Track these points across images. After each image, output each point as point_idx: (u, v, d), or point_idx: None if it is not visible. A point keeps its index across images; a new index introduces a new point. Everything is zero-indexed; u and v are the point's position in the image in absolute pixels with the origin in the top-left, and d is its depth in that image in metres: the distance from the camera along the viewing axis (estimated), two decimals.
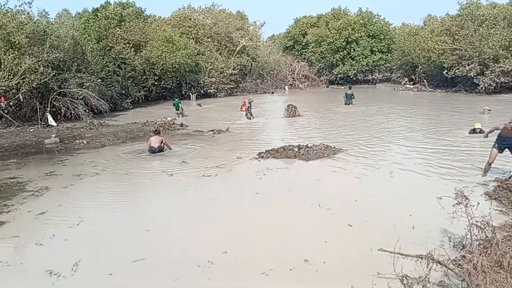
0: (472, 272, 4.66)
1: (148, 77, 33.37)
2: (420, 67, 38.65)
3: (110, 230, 7.59)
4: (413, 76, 41.96)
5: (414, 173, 10.23)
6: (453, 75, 31.63)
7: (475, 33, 30.16)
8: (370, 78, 48.07)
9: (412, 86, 39.48)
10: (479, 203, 6.46)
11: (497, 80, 28.61)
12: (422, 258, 5.05)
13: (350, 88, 29.46)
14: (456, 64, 31.15)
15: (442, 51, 32.33)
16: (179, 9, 43.37)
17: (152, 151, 13.79)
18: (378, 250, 5.42)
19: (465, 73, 30.34)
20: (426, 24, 42.83)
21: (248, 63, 43.39)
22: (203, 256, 6.08)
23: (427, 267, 4.87)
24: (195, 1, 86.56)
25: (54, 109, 23.30)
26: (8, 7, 23.13)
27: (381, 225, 7.05)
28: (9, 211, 8.66)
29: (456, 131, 15.72)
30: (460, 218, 5.50)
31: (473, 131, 14.59)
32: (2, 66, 20.13)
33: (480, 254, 4.89)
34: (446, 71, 32.17)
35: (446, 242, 6.07)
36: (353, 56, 47.02)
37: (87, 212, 8.48)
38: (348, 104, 26.51)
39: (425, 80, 38.15)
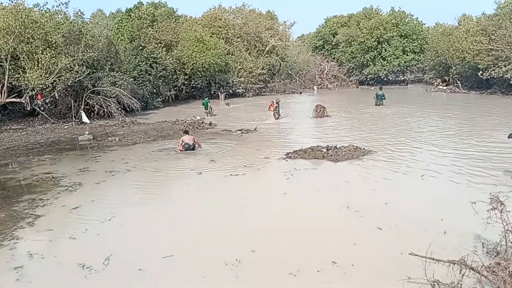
0: (508, 280, 4.52)
1: (178, 76, 33.83)
2: (453, 68, 37.61)
3: (140, 226, 7.75)
4: (446, 77, 40.86)
5: (446, 176, 9.97)
6: (489, 77, 30.60)
7: None
8: (402, 78, 47.16)
9: (445, 87, 38.48)
10: None
11: None
12: (454, 263, 4.92)
13: (380, 88, 28.85)
14: (492, 65, 30.12)
15: (477, 52, 31.32)
16: (210, 9, 43.75)
17: (187, 148, 14.09)
18: (409, 254, 5.32)
19: (501, 75, 29.31)
20: (460, 24, 41.59)
21: (277, 63, 43.34)
22: (231, 254, 6.13)
23: (460, 273, 4.74)
24: (225, 1, 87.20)
25: (88, 107, 23.93)
26: (47, 8, 23.93)
27: (411, 229, 6.91)
28: (44, 205, 8.97)
29: (492, 133, 15.21)
30: (495, 224, 5.34)
31: None
32: (39, 65, 20.83)
33: None
34: (481, 72, 31.15)
35: (479, 248, 5.90)
36: (384, 56, 46.23)
37: (119, 207, 8.68)
38: (379, 105, 26.07)
39: (458, 82, 37.10)
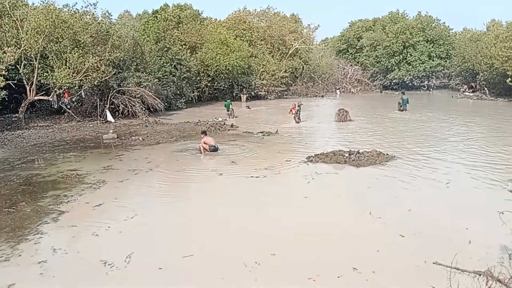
0: None
1: (202, 78, 34.08)
2: (481, 74, 36.80)
3: (162, 225, 7.83)
4: (473, 84, 40.00)
5: (470, 185, 9.75)
6: None
7: None
8: (425, 84, 46.34)
9: (471, 94, 37.67)
10: None
11: None
12: (480, 274, 4.80)
13: (403, 93, 28.53)
14: None
15: (506, 58, 30.57)
16: (235, 11, 44.02)
17: (213, 149, 14.21)
18: (433, 263, 5.22)
19: None
20: (489, 30, 40.71)
21: (300, 66, 43.22)
22: (251, 256, 6.12)
23: (486, 285, 4.62)
24: (250, 3, 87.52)
25: (113, 106, 24.31)
26: (76, 8, 24.48)
27: (435, 237, 6.77)
28: (69, 201, 9.15)
29: None
30: None
31: None
32: (67, 64, 21.30)
33: None
34: (509, 79, 30.36)
35: (506, 260, 5.74)
36: (409, 61, 45.56)
37: (141, 206, 8.78)
38: (403, 110, 25.73)
39: (486, 88, 36.26)
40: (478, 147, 14.41)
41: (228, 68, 33.73)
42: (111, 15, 27.12)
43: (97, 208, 8.70)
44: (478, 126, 19.77)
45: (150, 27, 33.66)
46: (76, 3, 24.11)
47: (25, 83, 21.74)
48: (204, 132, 14.99)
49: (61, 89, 21.67)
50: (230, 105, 25.44)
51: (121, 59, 25.00)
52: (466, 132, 17.95)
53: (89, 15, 24.69)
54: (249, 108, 29.29)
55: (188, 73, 31.21)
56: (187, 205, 9.10)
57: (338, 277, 5.54)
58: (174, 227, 7.70)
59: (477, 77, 38.16)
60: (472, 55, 38.05)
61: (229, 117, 24.42)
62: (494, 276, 4.71)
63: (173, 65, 29.97)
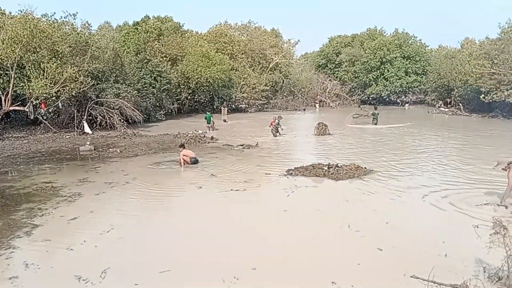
0: None
1: (182, 90, 34.04)
2: (456, 90, 37.80)
3: (138, 239, 7.67)
4: (448, 99, 41.05)
5: (446, 198, 9.88)
6: (491, 100, 30.71)
7: None
8: (403, 99, 47.28)
9: (446, 109, 38.61)
10: None
11: None
12: None
13: (375, 108, 29.30)
14: (494, 89, 30.24)
15: (480, 75, 31.50)
16: (216, 25, 44.29)
17: (194, 162, 14.16)
18: (411, 276, 5.25)
19: (503, 98, 29.42)
20: (463, 47, 42.06)
21: (280, 80, 43.65)
22: (230, 271, 6.05)
23: None
24: (231, 17, 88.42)
25: (90, 117, 24.01)
26: (54, 18, 24.19)
27: (412, 250, 6.84)
28: (43, 214, 8.91)
29: (495, 156, 15.13)
30: (497, 248, 5.29)
31: None
32: (45, 74, 20.96)
33: None
34: (483, 95, 31.27)
35: (481, 273, 5.82)
36: (386, 77, 46.53)
37: (117, 220, 8.62)
38: (375, 124, 26.38)
39: (460, 104, 37.24)
40: (452, 162, 14.71)
41: (209, 81, 33.83)
42: (91, 26, 27.06)
43: (72, 221, 8.49)
44: (454, 141, 20.23)
45: (131, 38, 33.55)
46: (55, 13, 23.80)
47: (0, 93, 21.27)
48: (182, 145, 14.88)
49: (38, 99, 21.29)
50: (211, 118, 25.42)
51: (100, 70, 24.80)
52: (441, 146, 18.34)
53: (68, 25, 24.46)
54: (226, 121, 29.28)
55: (168, 85, 31.15)
56: (165, 218, 8.97)
57: None
58: (151, 241, 7.56)
59: (452, 93, 39.16)
60: (447, 71, 39.11)
61: (209, 130, 24.37)
62: None
63: (153, 77, 29.88)
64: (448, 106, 40.23)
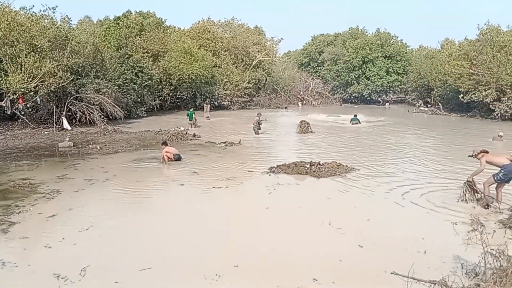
0: None
1: (164, 86, 33.74)
2: (435, 90, 38.46)
3: (119, 236, 7.57)
4: (428, 99, 41.75)
5: (426, 196, 10.05)
6: (469, 100, 31.35)
7: (493, 59, 29.95)
8: (380, 99, 47.77)
9: (426, 109, 39.26)
10: (495, 231, 6.36)
11: None
12: (435, 283, 4.94)
13: (355, 115, 28.54)
14: (473, 89, 30.89)
15: (459, 75, 32.12)
16: (199, 21, 44.00)
17: (177, 158, 14.09)
18: (391, 273, 5.32)
19: (481, 99, 30.07)
20: (443, 48, 42.75)
21: (263, 78, 43.68)
22: (211, 268, 6.03)
23: None
24: (215, 14, 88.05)
25: (70, 113, 23.61)
26: (33, 12, 23.66)
27: (392, 247, 6.92)
28: (20, 212, 8.72)
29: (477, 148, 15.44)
30: (474, 245, 5.40)
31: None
32: (23, 69, 20.50)
33: (494, 283, 4.77)
34: (462, 95, 31.91)
35: (459, 269, 5.92)
36: (368, 76, 47.02)
37: (97, 217, 8.49)
38: (353, 124, 26.78)
39: (440, 104, 37.90)
40: (431, 160, 14.96)
41: (191, 77, 33.61)
42: (71, 20, 26.47)
43: (50, 219, 8.34)
44: (434, 140, 20.62)
45: (112, 33, 33.07)
46: (34, 6, 23.34)
47: None
48: (165, 143, 14.76)
49: (15, 94, 20.80)
50: (193, 115, 25.26)
51: (80, 65, 24.41)
52: (420, 145, 18.63)
53: (47, 19, 23.97)
54: (208, 119, 29.11)
55: (150, 81, 30.85)
56: (146, 216, 8.87)
57: None
58: (131, 239, 7.47)
59: (432, 92, 39.83)
60: (427, 71, 39.75)
61: (191, 127, 24.22)
62: (448, 285, 4.86)
63: (134, 73, 29.54)
64: (428, 105, 40.91)
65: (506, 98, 28.53)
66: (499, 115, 28.83)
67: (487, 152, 9.37)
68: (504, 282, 4.78)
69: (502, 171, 8.96)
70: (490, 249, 5.21)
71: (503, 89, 28.85)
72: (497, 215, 8.53)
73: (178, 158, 14.14)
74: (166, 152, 14.05)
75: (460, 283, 5.08)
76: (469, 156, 9.84)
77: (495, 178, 9.05)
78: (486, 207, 8.97)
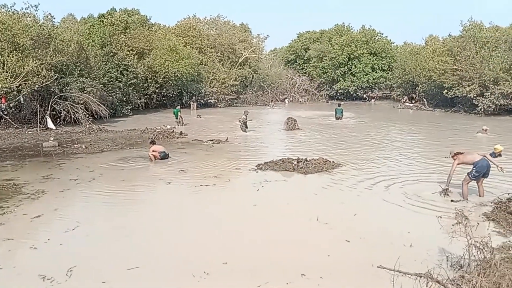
0: None
1: (149, 84, 33.48)
2: (420, 86, 38.83)
3: (105, 236, 7.51)
4: (413, 95, 42.16)
5: (411, 190, 10.17)
6: (453, 95, 31.76)
7: (476, 55, 30.40)
8: (365, 95, 48.02)
9: (411, 105, 39.64)
10: (478, 224, 6.47)
11: (497, 102, 28.71)
12: (421, 276, 5.01)
13: (339, 105, 29.74)
14: (456, 85, 31.30)
15: (443, 71, 32.52)
16: (184, 18, 43.74)
17: (163, 156, 14.03)
18: (378, 267, 5.38)
19: (465, 94, 30.48)
20: (427, 44, 43.15)
21: (250, 75, 43.61)
22: (199, 266, 6.02)
23: (427, 286, 4.82)
24: (200, 11, 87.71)
25: (54, 113, 23.28)
26: (15, 9, 23.25)
27: (379, 241, 7.00)
28: (4, 213, 8.58)
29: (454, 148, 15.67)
30: (459, 237, 5.48)
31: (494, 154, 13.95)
32: (5, 68, 20.15)
33: (478, 275, 4.86)
34: (446, 91, 32.31)
35: (444, 262, 6.01)
36: (354, 73, 47.26)
37: (83, 217, 8.41)
38: (338, 119, 27.07)
39: (424, 99, 38.31)
40: (416, 154, 15.16)
41: (177, 75, 33.39)
42: (54, 18, 26.07)
43: (35, 219, 8.22)
44: (418, 135, 20.87)
45: (96, 31, 32.65)
46: (15, 4, 22.95)
47: None
48: (153, 142, 14.71)
49: None
50: (179, 113, 25.12)
51: (64, 63, 24.07)
52: (405, 140, 18.84)
53: (30, 17, 23.58)
54: (200, 117, 28.94)
55: (135, 79, 30.58)
56: (133, 215, 8.81)
57: (287, 283, 5.57)
58: (119, 238, 7.40)
59: (416, 88, 40.22)
60: (412, 67, 40.11)
61: (178, 125, 24.09)
62: (433, 278, 4.94)
63: (119, 71, 29.24)
64: (413, 101, 41.30)
65: (489, 93, 28.97)
66: (482, 110, 29.26)
67: (461, 153, 9.65)
68: (487, 273, 4.87)
69: (474, 168, 9.26)
70: (474, 242, 5.29)
71: (486, 84, 29.29)
72: (481, 208, 8.68)
73: (164, 156, 14.06)
74: (153, 150, 14.00)
75: (445, 275, 5.15)
76: (446, 157, 10.10)
77: (470, 175, 9.33)
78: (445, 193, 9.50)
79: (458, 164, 9.54)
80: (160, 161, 13.87)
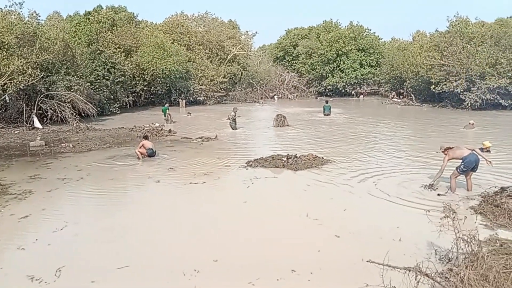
0: (459, 285, 4.68)
1: (137, 82, 33.24)
2: (408, 81, 39.15)
3: (94, 235, 7.44)
4: (401, 90, 42.49)
5: (400, 184, 10.26)
6: (440, 91, 32.07)
7: (463, 50, 30.72)
8: (354, 91, 48.21)
9: (399, 100, 39.96)
10: (466, 217, 6.55)
11: (483, 97, 29.08)
12: (410, 270, 5.05)
13: (327, 102, 30.20)
14: (444, 80, 31.60)
15: (430, 67, 32.82)
16: (172, 15, 43.48)
17: (150, 153, 13.95)
18: (367, 261, 5.41)
19: (452, 89, 30.80)
20: (415, 40, 43.50)
21: (239, 72, 43.51)
22: (190, 264, 6.00)
23: (415, 280, 4.86)
24: (188, 8, 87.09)
25: (41, 112, 23.00)
26: None
27: (369, 236, 7.05)
28: None
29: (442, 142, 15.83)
30: (447, 231, 5.53)
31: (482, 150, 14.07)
32: None
33: (466, 268, 4.91)
34: (433, 86, 32.60)
35: (432, 255, 6.07)
36: (342, 69, 47.45)
37: (71, 217, 8.32)
38: (326, 115, 27.37)
39: (412, 95, 38.62)
40: (404, 150, 15.29)
41: (165, 73, 33.21)
42: (39, 16, 25.74)
43: (23, 220, 8.12)
44: (406, 130, 21.05)
45: (82, 29, 32.31)
46: None
47: None
48: (146, 137, 14.65)
49: None
50: (167, 110, 24.98)
51: (50, 62, 23.77)
52: (394, 135, 18.98)
53: (15, 15, 23.22)
54: (190, 114, 28.78)
55: (123, 77, 30.32)
56: (122, 214, 8.74)
57: (277, 279, 5.58)
58: (108, 237, 7.34)
59: (404, 84, 40.52)
60: (399, 63, 40.39)
61: (167, 123, 23.96)
62: (422, 271, 4.97)
63: (106, 69, 28.96)
64: (401, 96, 41.63)
65: (476, 88, 29.31)
66: (469, 105, 29.59)
67: (451, 148, 9.73)
68: (475, 265, 4.92)
69: (463, 163, 9.35)
70: (462, 235, 5.35)
71: (473, 79, 29.62)
72: (468, 201, 8.79)
73: (151, 153, 13.99)
74: (142, 145, 13.94)
75: (434, 269, 5.20)
76: (436, 152, 10.18)
77: (458, 170, 9.43)
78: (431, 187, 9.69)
79: (449, 159, 9.58)
80: (149, 159, 13.79)
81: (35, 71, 21.61)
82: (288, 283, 5.51)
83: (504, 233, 6.93)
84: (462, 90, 30.10)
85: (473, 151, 9.48)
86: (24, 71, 20.89)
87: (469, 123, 20.03)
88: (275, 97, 46.84)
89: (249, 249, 6.70)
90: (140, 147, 13.95)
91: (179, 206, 9.17)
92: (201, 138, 18.06)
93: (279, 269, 5.86)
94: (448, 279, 5.01)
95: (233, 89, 42.97)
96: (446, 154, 9.67)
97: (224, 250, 6.62)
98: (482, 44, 30.74)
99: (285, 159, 12.83)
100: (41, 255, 6.55)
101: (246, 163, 12.85)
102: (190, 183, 10.80)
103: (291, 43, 54.79)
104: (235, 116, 21.45)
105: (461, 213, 7.43)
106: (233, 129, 21.04)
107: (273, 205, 9.06)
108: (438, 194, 9.31)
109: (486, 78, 28.96)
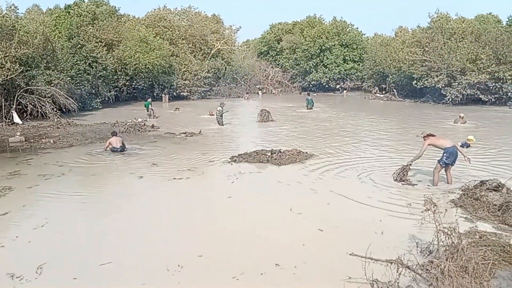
0: (440, 277, 4.77)
1: (119, 77, 32.82)
2: (390, 77, 39.53)
3: (76, 232, 7.35)
4: (383, 86, 42.90)
5: (382, 178, 10.38)
6: (422, 86, 32.51)
7: (444, 46, 31.17)
8: (338, 87, 48.50)
9: (382, 95, 40.35)
10: (446, 210, 6.67)
11: (464, 92, 29.57)
12: (392, 263, 5.13)
13: (308, 94, 30.99)
14: (425, 75, 32.03)
15: (412, 62, 33.22)
16: (154, 9, 42.95)
17: (114, 151, 13.95)
18: (349, 254, 5.47)
19: (433, 84, 31.24)
20: (397, 35, 43.91)
21: (223, 67, 43.29)
22: (174, 260, 5.98)
23: (397, 272, 4.94)
24: (170, 2, 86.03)
25: (20, 107, 22.56)
26: None
27: (351, 229, 7.12)
28: None
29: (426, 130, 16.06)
30: (428, 224, 5.63)
31: (466, 144, 14.30)
32: None
33: (447, 260, 5.01)
34: (415, 81, 33.02)
35: (414, 248, 6.17)
36: (326, 64, 47.67)
37: (53, 213, 8.20)
38: (310, 109, 28.02)
39: (395, 90, 39.04)
40: (386, 143, 15.46)
41: (148, 67, 32.89)
42: (18, 9, 25.16)
43: (2, 217, 7.96)
44: (389, 124, 21.29)
45: (62, 22, 31.68)
46: None
47: None
48: (114, 133, 14.52)
49: None
50: (150, 105, 24.75)
51: (30, 56, 23.28)
52: (377, 130, 19.17)
53: None
54: (178, 109, 28.37)
55: (105, 72, 29.91)
56: (104, 210, 8.65)
57: (261, 274, 5.60)
58: (90, 234, 7.26)
59: (387, 79, 40.91)
60: (382, 58, 40.75)
61: (149, 118, 23.74)
62: (403, 264, 5.06)
63: (87, 63, 28.54)
64: (383, 92, 42.04)
65: (457, 83, 29.78)
66: (450, 100, 30.06)
67: (433, 135, 9.84)
68: (455, 257, 5.03)
69: (445, 154, 9.49)
70: (442, 228, 5.44)
71: (454, 75, 30.08)
72: (449, 195, 8.94)
73: (115, 151, 13.98)
74: (109, 143, 14.09)
75: (415, 261, 5.29)
76: (417, 136, 10.29)
77: (440, 163, 9.57)
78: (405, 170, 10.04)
79: (428, 144, 9.71)
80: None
81: (14, 65, 21.16)
82: (272, 277, 5.54)
83: (483, 226, 7.08)
84: (443, 85, 30.56)
85: (454, 146, 9.64)
86: (3, 66, 20.45)
87: (459, 116, 20.36)
88: (260, 92, 46.79)
89: (234, 244, 6.70)
90: (107, 146, 14.06)
91: (163, 202, 9.11)
92: (184, 133, 17.95)
93: (263, 263, 5.88)
94: (429, 271, 5.11)
95: (217, 84, 42.75)
96: (426, 139, 9.77)
97: (209, 246, 6.61)
98: (462, 40, 31.23)
99: (269, 154, 12.85)
100: (21, 253, 6.44)
101: (230, 158, 12.83)
102: (174, 178, 10.74)
103: (275, 38, 54.75)
104: (222, 111, 21.25)
105: (442, 206, 7.58)
106: (220, 124, 20.83)
107: (257, 200, 9.07)
108: (413, 185, 9.58)
109: (467, 74, 29.43)
